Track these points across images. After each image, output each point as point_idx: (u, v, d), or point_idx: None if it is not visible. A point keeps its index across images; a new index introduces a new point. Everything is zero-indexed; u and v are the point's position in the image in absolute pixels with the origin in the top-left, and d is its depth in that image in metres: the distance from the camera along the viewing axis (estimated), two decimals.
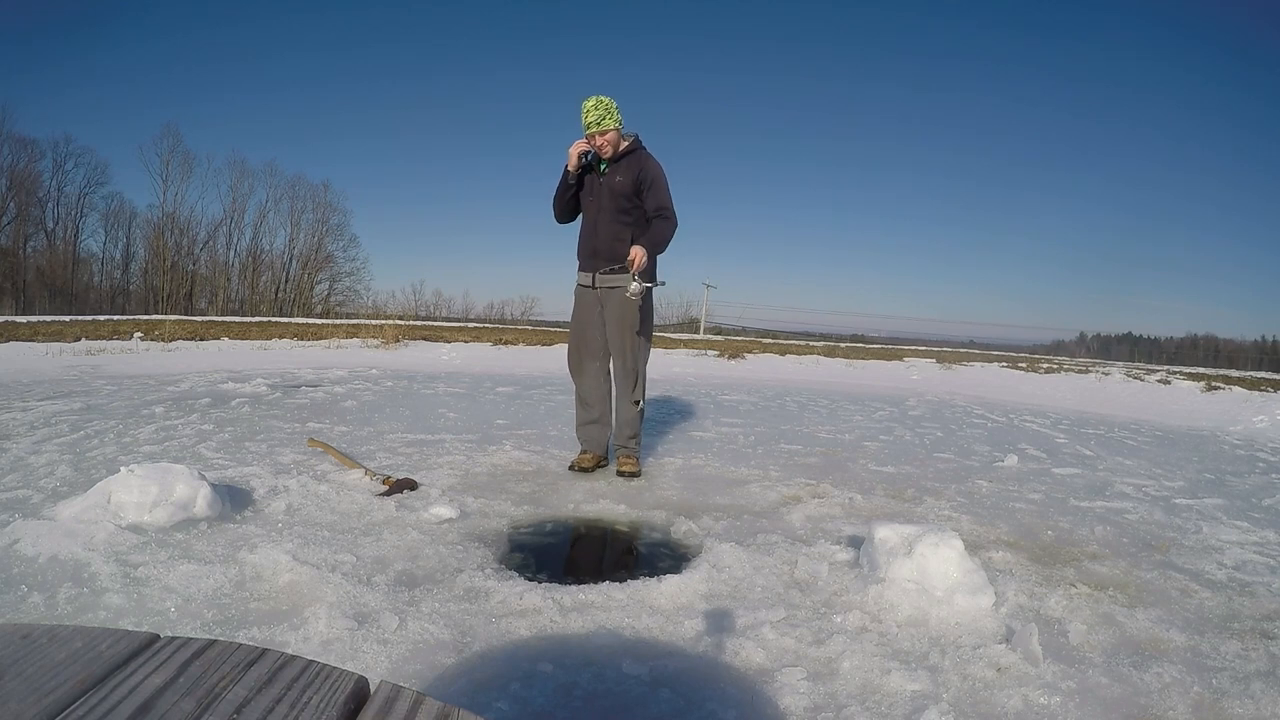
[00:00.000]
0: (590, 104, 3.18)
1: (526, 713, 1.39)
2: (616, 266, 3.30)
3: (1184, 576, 2.40)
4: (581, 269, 3.45)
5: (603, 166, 3.31)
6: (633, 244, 3.29)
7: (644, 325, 3.39)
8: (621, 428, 3.44)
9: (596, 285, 3.38)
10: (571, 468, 3.44)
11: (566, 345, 3.65)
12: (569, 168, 3.29)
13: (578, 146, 3.25)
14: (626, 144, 3.29)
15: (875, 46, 64.37)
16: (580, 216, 3.46)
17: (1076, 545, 2.72)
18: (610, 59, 60.78)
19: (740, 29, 65.58)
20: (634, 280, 3.17)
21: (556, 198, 3.40)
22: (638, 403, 3.40)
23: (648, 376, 3.54)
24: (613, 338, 3.38)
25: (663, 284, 3.46)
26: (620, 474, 3.36)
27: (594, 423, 3.50)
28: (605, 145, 3.22)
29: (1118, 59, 62.40)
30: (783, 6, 66.74)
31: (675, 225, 3.33)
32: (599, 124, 3.17)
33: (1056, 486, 3.79)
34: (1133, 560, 2.56)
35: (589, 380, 3.48)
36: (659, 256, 3.36)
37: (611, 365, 3.48)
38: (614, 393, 3.50)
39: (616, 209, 3.28)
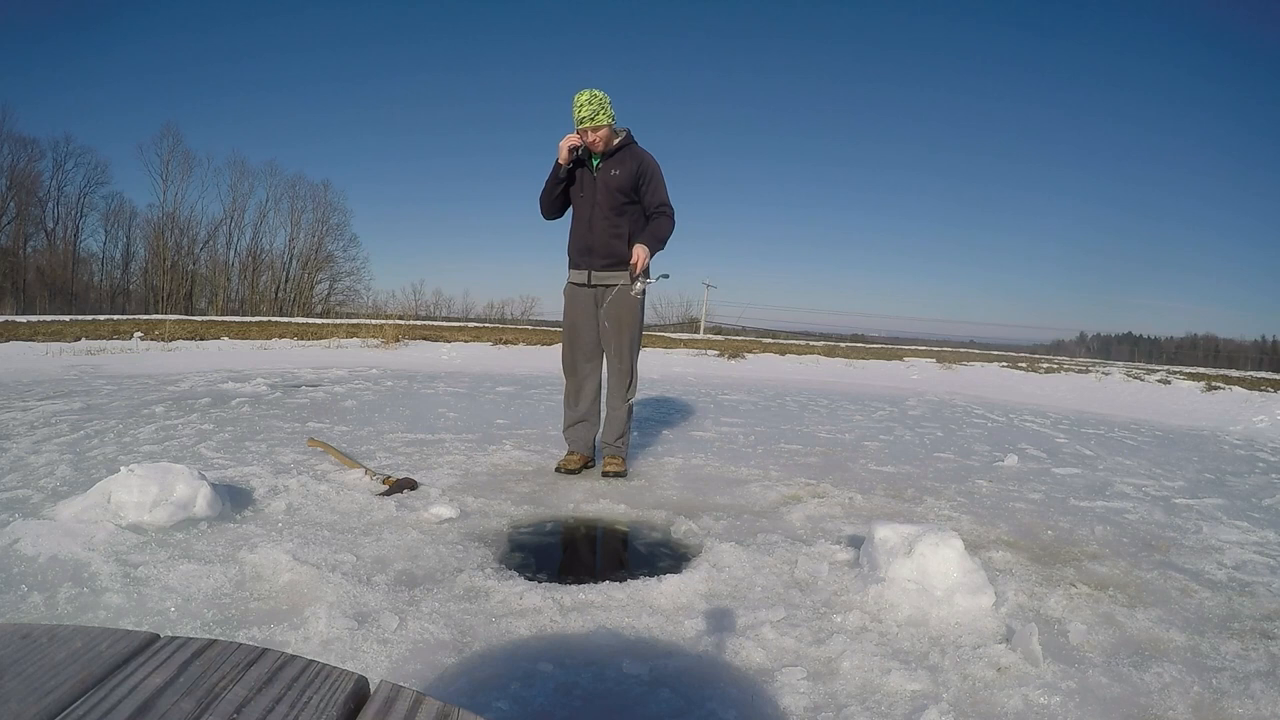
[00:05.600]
0: (584, 98, 3.11)
1: (526, 712, 1.39)
2: (612, 262, 3.29)
3: (1184, 576, 2.40)
4: (574, 266, 3.41)
5: (595, 162, 3.27)
6: (630, 240, 3.28)
7: (637, 324, 3.39)
8: (611, 427, 3.40)
9: (593, 283, 3.35)
10: (558, 469, 3.38)
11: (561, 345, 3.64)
12: (560, 161, 3.24)
13: (569, 141, 3.19)
14: (619, 139, 3.25)
15: (875, 46, 64.47)
16: (569, 214, 3.43)
17: (1076, 545, 2.72)
18: (611, 58, 60.86)
19: (740, 28, 65.66)
20: (638, 281, 3.20)
21: (545, 193, 3.36)
22: (628, 400, 3.39)
23: (639, 375, 3.53)
24: (609, 336, 3.35)
25: (666, 276, 3.49)
26: (606, 474, 3.32)
27: (582, 422, 3.47)
28: (598, 141, 3.18)
29: (1117, 59, 62.48)
30: (783, 6, 66.77)
31: (674, 222, 3.32)
32: (592, 119, 3.11)
33: (1056, 486, 3.79)
34: (1133, 560, 2.56)
35: (582, 380, 3.45)
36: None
37: (605, 364, 3.45)
38: (604, 391, 3.48)
39: (611, 205, 3.25)
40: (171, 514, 2.25)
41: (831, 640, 1.72)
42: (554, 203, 3.38)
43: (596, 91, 3.14)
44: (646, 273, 3.30)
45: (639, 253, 3.19)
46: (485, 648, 1.63)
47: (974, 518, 2.99)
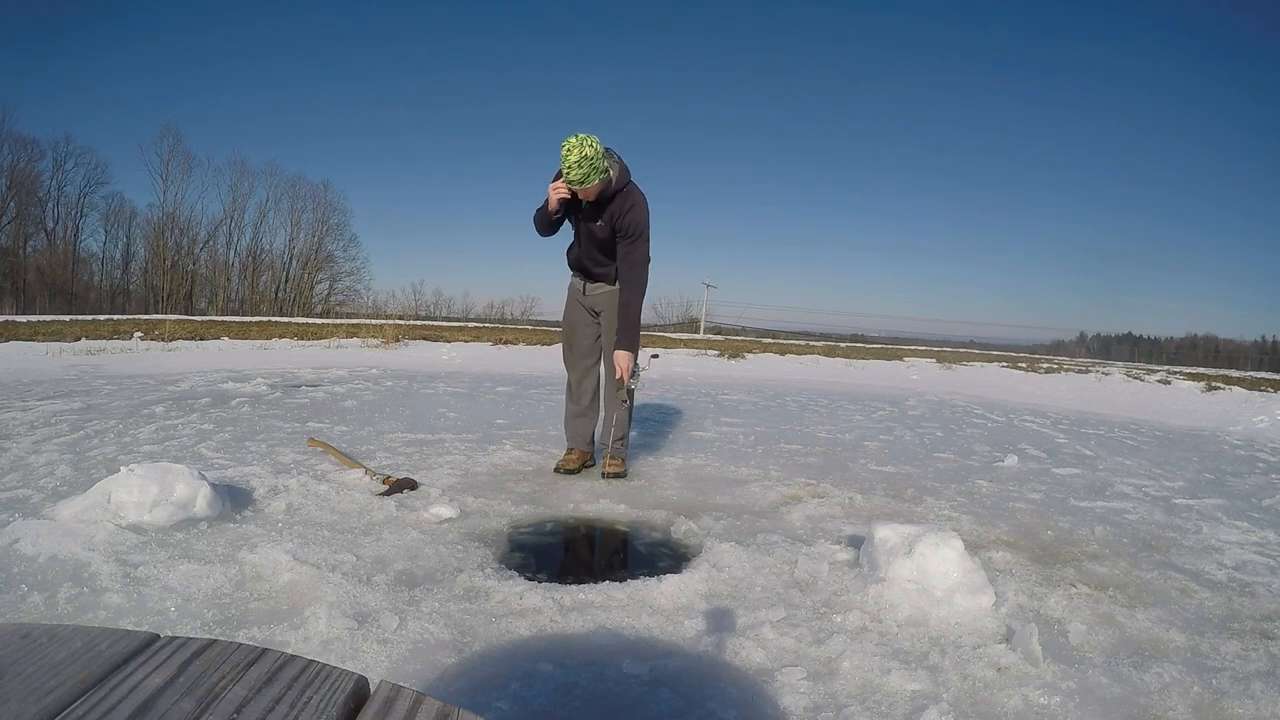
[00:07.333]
0: (573, 159, 2.86)
1: (526, 712, 1.39)
2: (604, 280, 3.36)
3: (1184, 576, 2.40)
4: (572, 271, 3.49)
5: (584, 203, 3.17)
6: (618, 272, 3.26)
7: None
8: (610, 428, 3.40)
9: (588, 294, 3.42)
10: (558, 469, 3.39)
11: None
12: (550, 208, 3.14)
13: (559, 193, 3.02)
14: (613, 183, 3.08)
15: (875, 46, 64.47)
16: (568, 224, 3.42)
17: (1076, 545, 2.72)
18: (611, 58, 60.94)
19: (741, 28, 65.64)
20: (631, 380, 3.26)
21: (537, 223, 3.28)
22: (625, 402, 3.39)
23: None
24: (606, 342, 3.39)
25: (656, 356, 3.49)
26: (606, 475, 3.31)
27: (581, 416, 3.51)
28: (589, 194, 3.04)
29: (1117, 59, 62.49)
30: (783, 6, 66.78)
31: (643, 285, 3.24)
32: (582, 183, 2.93)
33: (1056, 486, 3.79)
34: (1133, 560, 2.56)
35: (581, 376, 3.50)
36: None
37: (602, 364, 3.48)
38: (602, 392, 3.51)
39: (599, 248, 3.27)
40: (171, 514, 2.25)
41: (831, 640, 1.72)
42: (548, 232, 3.32)
43: (587, 146, 2.87)
44: (635, 370, 3.30)
45: (622, 363, 3.19)
46: (485, 648, 1.63)
47: (974, 518, 3.00)
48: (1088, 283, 61.91)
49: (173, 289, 32.67)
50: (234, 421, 4.24)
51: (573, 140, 2.89)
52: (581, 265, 3.39)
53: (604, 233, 3.18)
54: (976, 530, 2.82)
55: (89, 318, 11.23)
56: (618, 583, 2.00)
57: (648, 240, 3.23)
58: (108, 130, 49.49)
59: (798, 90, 66.20)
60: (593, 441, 3.56)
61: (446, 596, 1.88)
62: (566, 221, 3.36)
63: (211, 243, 34.76)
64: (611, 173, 3.05)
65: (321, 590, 1.85)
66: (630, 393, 3.37)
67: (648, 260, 3.27)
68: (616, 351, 3.22)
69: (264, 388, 5.78)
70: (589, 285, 3.41)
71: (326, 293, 37.86)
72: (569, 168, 2.90)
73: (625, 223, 3.11)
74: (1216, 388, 9.47)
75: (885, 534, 2.08)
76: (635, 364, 3.29)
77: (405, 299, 31.52)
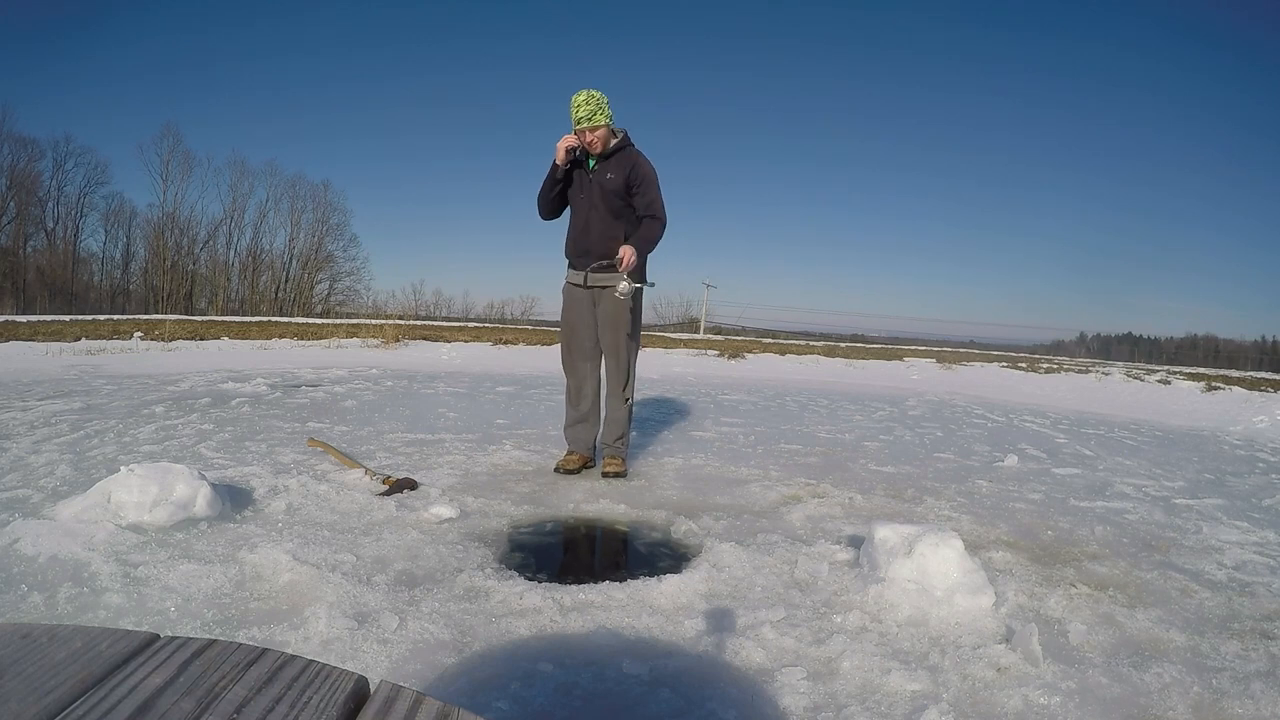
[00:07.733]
0: (581, 98, 3.10)
1: (526, 712, 1.39)
2: (608, 263, 3.28)
3: (1184, 576, 2.40)
4: (572, 267, 3.42)
5: (591, 163, 3.26)
6: (625, 242, 3.27)
7: (634, 325, 3.39)
8: (610, 428, 3.40)
9: (589, 284, 3.35)
10: (558, 469, 3.38)
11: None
12: (557, 163, 3.23)
13: (566, 142, 3.18)
14: (616, 140, 3.24)
15: (875, 46, 64.44)
16: (567, 213, 3.42)
17: (1076, 545, 2.72)
18: (611, 58, 60.84)
19: (740, 28, 65.65)
20: (624, 279, 3.17)
21: (542, 194, 3.35)
22: (627, 400, 3.39)
23: (638, 375, 3.53)
24: (605, 336, 3.36)
25: (652, 284, 3.41)
26: (606, 475, 3.31)
27: (582, 422, 3.48)
28: (595, 142, 3.17)
29: (1117, 59, 62.47)
30: (783, 6, 66.74)
31: (664, 225, 3.30)
32: (590, 120, 3.11)
33: (1056, 486, 3.79)
34: (1133, 560, 2.56)
35: (582, 380, 3.46)
36: (648, 255, 3.33)
37: (603, 366, 3.46)
38: (603, 391, 3.49)
39: (609, 208, 3.24)
40: (171, 514, 2.25)
41: (831, 640, 1.72)
42: (551, 203, 3.37)
43: (594, 91, 3.12)
44: (635, 275, 3.26)
45: (625, 251, 3.16)
46: (485, 648, 1.63)
47: (974, 518, 2.99)
48: (1088, 283, 62.00)
49: (173, 289, 32.67)
50: (234, 421, 4.24)
51: (579, 90, 3.14)
52: (586, 242, 3.30)
53: (616, 183, 3.21)
54: (976, 530, 2.82)
55: (89, 318, 11.23)
56: (618, 583, 2.00)
57: (661, 195, 3.29)
58: (108, 130, 49.62)
59: (798, 90, 66.18)
60: (593, 446, 3.55)
61: (446, 596, 1.88)
62: (568, 210, 3.38)
63: (211, 243, 34.81)
64: (616, 135, 3.25)
65: (321, 590, 1.85)
66: (629, 374, 3.33)
67: (665, 213, 3.30)
68: (625, 245, 3.19)
69: (264, 388, 5.78)
70: (591, 274, 3.32)
71: (326, 293, 37.90)
72: (577, 106, 3.12)
73: (640, 172, 3.23)
74: (1216, 388, 9.47)
75: (885, 534, 2.08)
76: (635, 279, 3.25)
77: (405, 299, 31.53)
